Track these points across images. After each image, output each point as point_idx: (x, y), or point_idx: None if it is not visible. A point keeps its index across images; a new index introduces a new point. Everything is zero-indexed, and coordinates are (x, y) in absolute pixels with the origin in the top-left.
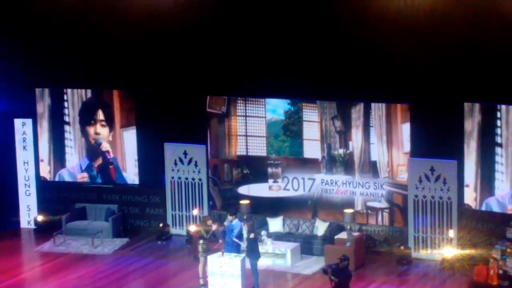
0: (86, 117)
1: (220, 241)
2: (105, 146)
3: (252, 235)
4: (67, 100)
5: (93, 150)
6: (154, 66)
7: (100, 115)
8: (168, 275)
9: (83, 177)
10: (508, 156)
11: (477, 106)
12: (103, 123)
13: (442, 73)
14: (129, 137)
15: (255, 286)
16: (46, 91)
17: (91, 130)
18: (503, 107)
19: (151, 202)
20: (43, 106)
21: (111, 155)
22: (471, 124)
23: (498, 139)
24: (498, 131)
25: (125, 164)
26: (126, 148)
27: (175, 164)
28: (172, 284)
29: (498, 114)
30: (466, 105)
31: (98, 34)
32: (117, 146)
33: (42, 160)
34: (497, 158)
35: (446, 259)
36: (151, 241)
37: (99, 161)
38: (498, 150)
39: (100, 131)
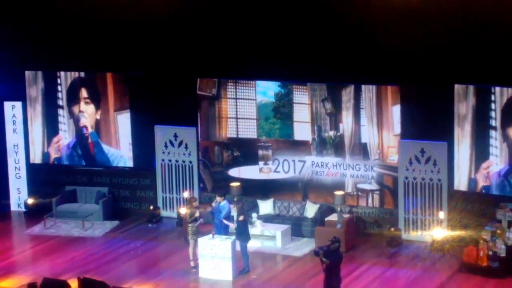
0: (72, 97)
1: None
2: (83, 122)
3: (241, 217)
4: (60, 84)
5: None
6: (144, 48)
7: (84, 92)
8: (159, 257)
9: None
10: (502, 139)
11: (471, 88)
12: (87, 100)
13: (433, 55)
14: (123, 121)
15: (245, 268)
16: (39, 74)
17: (76, 109)
18: (497, 89)
19: (142, 184)
20: (36, 90)
21: (89, 130)
22: (465, 107)
23: (493, 122)
24: (493, 114)
25: (119, 147)
26: (120, 132)
27: (166, 146)
28: (163, 266)
29: (493, 97)
30: (460, 87)
31: (89, 16)
32: (110, 128)
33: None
34: (492, 141)
35: (436, 241)
36: (141, 223)
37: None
38: (492, 133)
39: (84, 109)
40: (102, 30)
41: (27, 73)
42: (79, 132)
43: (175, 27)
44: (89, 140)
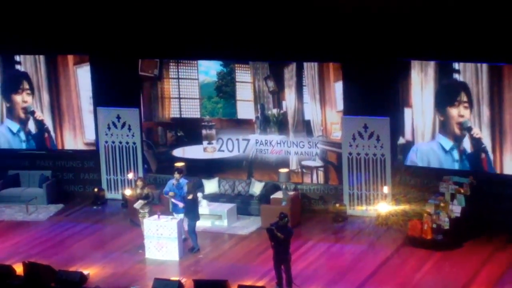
0: (12, 86)
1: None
2: (39, 115)
3: (191, 196)
4: None
5: (22, 117)
6: (85, 29)
7: (25, 84)
8: (104, 239)
9: None
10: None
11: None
12: (28, 91)
13: (374, 30)
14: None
15: (194, 247)
16: None
17: (17, 98)
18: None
19: (85, 167)
20: None
21: (46, 123)
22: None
23: None
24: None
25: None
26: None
27: (109, 128)
28: (109, 249)
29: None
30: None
31: None
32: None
33: None
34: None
35: (381, 215)
36: (86, 206)
37: (28, 127)
38: None
39: (27, 100)
40: (41, 11)
41: None
42: (38, 125)
43: (116, 7)
44: (47, 134)
